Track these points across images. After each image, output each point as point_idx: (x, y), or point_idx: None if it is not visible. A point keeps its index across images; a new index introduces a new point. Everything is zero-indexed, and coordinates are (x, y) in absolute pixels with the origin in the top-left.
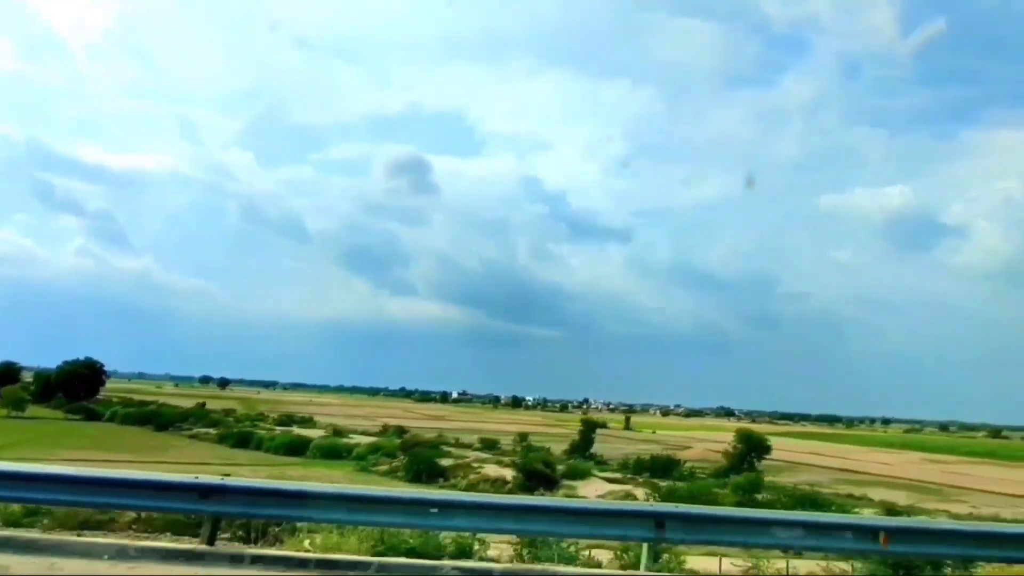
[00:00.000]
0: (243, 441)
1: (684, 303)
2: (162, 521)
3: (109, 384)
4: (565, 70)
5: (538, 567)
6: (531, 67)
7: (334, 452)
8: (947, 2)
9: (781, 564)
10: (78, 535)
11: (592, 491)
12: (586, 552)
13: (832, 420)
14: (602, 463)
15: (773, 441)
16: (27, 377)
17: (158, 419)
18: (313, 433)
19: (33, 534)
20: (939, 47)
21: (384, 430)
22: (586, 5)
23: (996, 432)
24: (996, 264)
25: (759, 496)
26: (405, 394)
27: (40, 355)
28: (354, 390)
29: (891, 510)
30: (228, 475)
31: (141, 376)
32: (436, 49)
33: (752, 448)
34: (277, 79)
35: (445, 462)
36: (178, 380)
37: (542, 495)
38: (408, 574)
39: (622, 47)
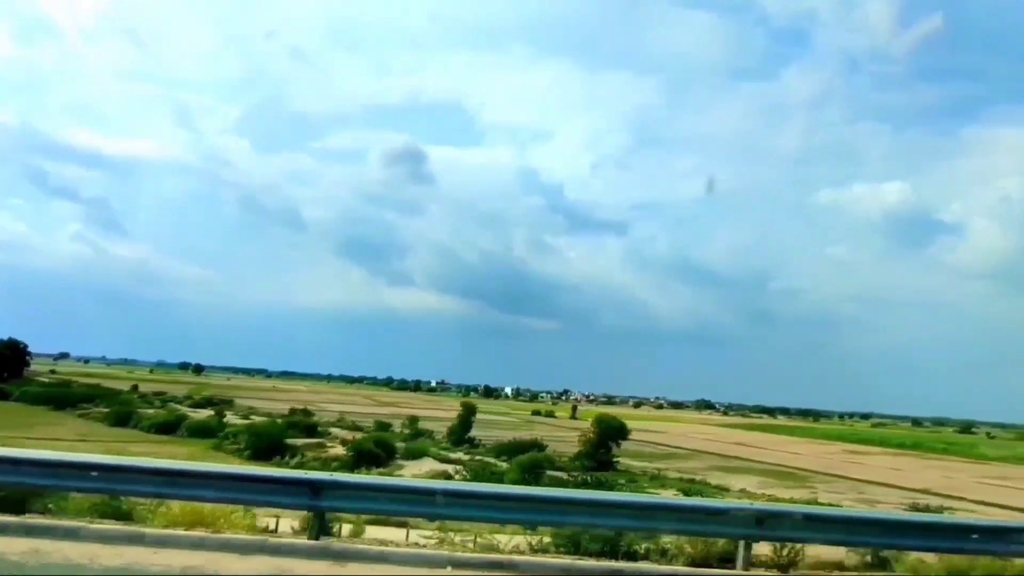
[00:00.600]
0: (123, 419)
1: (678, 297)
2: None
3: (84, 368)
4: (566, 60)
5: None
6: (532, 56)
7: (207, 431)
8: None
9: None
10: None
11: (420, 470)
12: (265, 521)
13: (813, 415)
14: (476, 445)
15: (713, 432)
16: None
17: (65, 399)
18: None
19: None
20: (937, 43)
21: (291, 413)
22: None
23: (967, 427)
24: (993, 262)
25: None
26: (386, 383)
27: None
28: (342, 379)
29: (688, 490)
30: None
31: (126, 362)
32: (436, 37)
33: (610, 434)
34: (275, 66)
35: (300, 442)
36: (170, 368)
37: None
38: None
39: (624, 38)
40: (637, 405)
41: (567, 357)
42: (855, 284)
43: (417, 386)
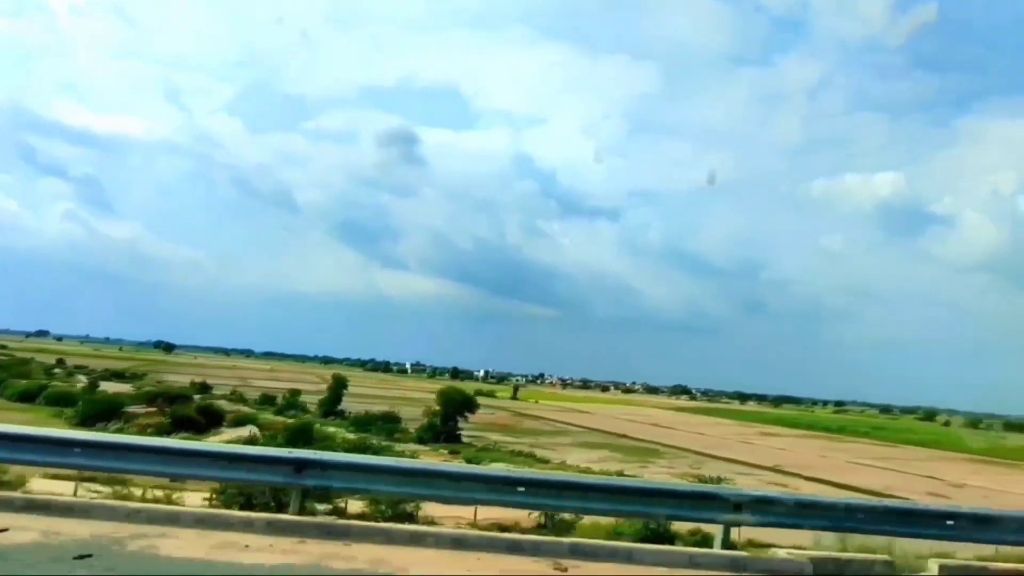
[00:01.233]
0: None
1: (670, 285)
2: None
3: (46, 344)
4: (563, 44)
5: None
6: (529, 39)
7: (68, 400)
8: None
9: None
10: None
11: (235, 435)
12: None
13: (790, 401)
14: (345, 417)
15: (649, 414)
16: None
17: None
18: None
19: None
20: (933, 33)
21: (191, 386)
22: None
23: (931, 415)
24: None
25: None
26: (361, 365)
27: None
28: (322, 360)
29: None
30: None
31: (108, 342)
32: (431, 20)
33: (456, 408)
34: (269, 46)
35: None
36: (148, 347)
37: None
38: None
39: (621, 22)
40: (604, 389)
41: (556, 342)
42: (844, 274)
43: (387, 367)
